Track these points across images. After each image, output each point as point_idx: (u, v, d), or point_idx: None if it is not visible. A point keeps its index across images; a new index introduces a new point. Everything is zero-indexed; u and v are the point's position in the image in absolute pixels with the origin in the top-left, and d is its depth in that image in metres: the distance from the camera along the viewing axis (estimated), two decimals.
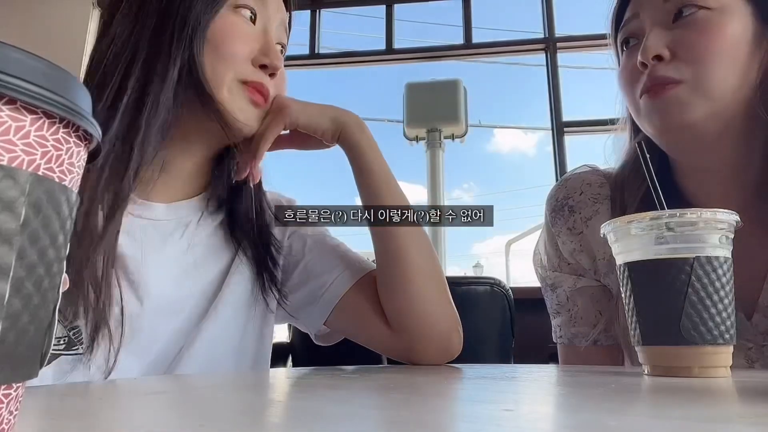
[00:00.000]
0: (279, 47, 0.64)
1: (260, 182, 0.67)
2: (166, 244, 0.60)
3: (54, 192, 0.18)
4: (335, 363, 0.61)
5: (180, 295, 0.59)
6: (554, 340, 0.72)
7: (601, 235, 0.49)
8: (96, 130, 0.19)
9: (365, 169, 0.62)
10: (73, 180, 0.19)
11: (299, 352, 2.13)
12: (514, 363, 1.94)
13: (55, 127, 0.18)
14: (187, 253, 0.61)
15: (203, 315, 0.60)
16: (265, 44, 0.60)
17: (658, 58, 0.58)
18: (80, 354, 0.51)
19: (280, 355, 2.18)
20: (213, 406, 0.31)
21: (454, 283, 2.20)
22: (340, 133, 0.63)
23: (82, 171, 0.20)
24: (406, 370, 0.53)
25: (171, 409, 0.30)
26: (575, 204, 0.69)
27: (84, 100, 0.19)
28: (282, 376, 0.52)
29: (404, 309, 0.60)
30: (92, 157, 0.21)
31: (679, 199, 0.65)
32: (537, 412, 0.28)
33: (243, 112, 0.59)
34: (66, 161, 0.18)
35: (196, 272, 0.61)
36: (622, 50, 0.65)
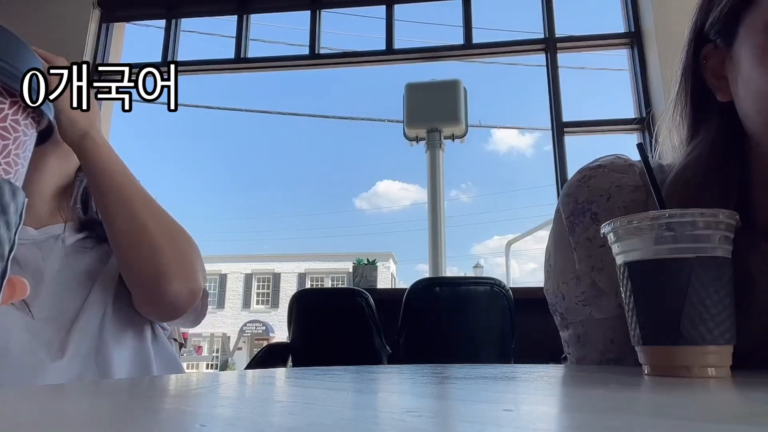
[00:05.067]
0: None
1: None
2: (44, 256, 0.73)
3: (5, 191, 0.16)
4: (335, 363, 0.61)
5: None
6: (564, 351, 0.65)
7: (601, 235, 0.48)
8: (48, 106, 0.18)
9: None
10: (20, 172, 0.17)
11: (299, 352, 2.13)
12: (514, 363, 1.94)
13: (16, 108, 0.16)
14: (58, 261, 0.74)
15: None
16: None
17: None
18: None
19: (280, 354, 2.19)
20: (213, 407, 0.31)
21: (455, 283, 2.21)
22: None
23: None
24: (406, 370, 0.53)
25: (171, 409, 0.30)
26: (600, 212, 0.57)
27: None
28: (282, 375, 0.52)
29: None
30: (42, 137, 0.19)
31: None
32: (537, 412, 0.28)
33: None
34: (22, 146, 0.17)
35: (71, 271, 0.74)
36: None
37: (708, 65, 0.55)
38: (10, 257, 0.18)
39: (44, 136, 0.19)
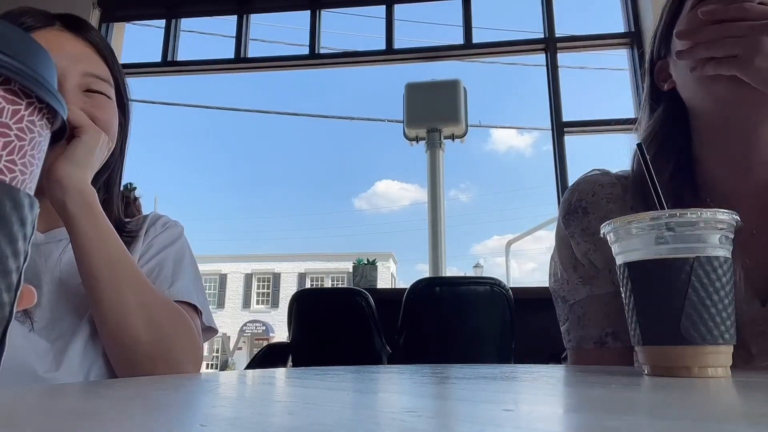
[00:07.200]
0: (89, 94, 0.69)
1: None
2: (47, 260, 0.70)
3: (18, 198, 0.16)
4: (335, 363, 0.61)
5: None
6: (565, 346, 0.74)
7: (601, 235, 0.49)
8: (62, 107, 0.17)
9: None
10: (35, 173, 0.17)
11: (299, 352, 2.13)
12: (514, 363, 1.94)
13: (32, 109, 0.16)
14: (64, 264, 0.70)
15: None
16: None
17: None
18: None
19: (280, 354, 2.18)
20: (213, 407, 0.31)
21: (454, 283, 2.21)
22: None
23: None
24: (406, 370, 0.53)
25: (171, 409, 0.30)
26: (588, 205, 0.71)
27: (50, 73, 0.16)
28: (282, 375, 0.52)
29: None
30: (56, 137, 0.19)
31: (696, 177, 0.69)
32: (537, 412, 0.28)
33: None
34: (34, 149, 0.16)
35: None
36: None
37: (660, 76, 0.73)
38: (24, 268, 0.18)
39: (57, 137, 0.19)
